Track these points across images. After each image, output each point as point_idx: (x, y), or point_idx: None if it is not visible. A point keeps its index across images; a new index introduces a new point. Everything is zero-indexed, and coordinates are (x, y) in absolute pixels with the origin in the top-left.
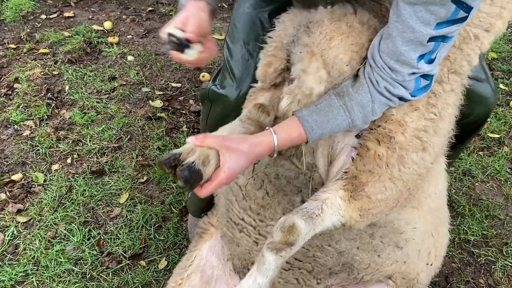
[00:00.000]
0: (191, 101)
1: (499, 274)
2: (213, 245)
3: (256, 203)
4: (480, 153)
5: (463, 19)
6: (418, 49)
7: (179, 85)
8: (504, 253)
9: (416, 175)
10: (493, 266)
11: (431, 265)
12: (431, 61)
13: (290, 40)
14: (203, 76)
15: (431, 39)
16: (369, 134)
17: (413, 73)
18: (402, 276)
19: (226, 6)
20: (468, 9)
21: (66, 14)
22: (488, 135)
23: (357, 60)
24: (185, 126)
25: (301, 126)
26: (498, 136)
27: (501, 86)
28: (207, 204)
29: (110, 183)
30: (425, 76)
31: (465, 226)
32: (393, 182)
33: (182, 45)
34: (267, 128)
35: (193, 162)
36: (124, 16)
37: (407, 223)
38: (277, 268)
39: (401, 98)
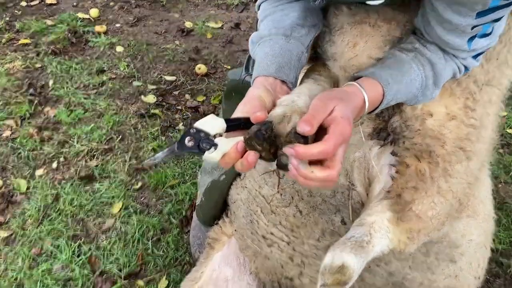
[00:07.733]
0: (187, 96)
1: None
2: (227, 255)
3: (287, 221)
4: (500, 150)
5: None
6: (464, 35)
7: (173, 78)
8: None
9: (466, 184)
10: None
11: (479, 278)
12: (486, 35)
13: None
14: (199, 68)
15: (476, 26)
16: (405, 152)
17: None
18: None
19: None
20: None
21: (49, 1)
22: (506, 131)
23: None
24: (181, 123)
25: (375, 80)
26: None
27: None
28: (220, 212)
29: (101, 190)
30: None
31: None
32: (442, 196)
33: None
34: (348, 83)
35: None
36: (111, 3)
37: (463, 235)
38: None
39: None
